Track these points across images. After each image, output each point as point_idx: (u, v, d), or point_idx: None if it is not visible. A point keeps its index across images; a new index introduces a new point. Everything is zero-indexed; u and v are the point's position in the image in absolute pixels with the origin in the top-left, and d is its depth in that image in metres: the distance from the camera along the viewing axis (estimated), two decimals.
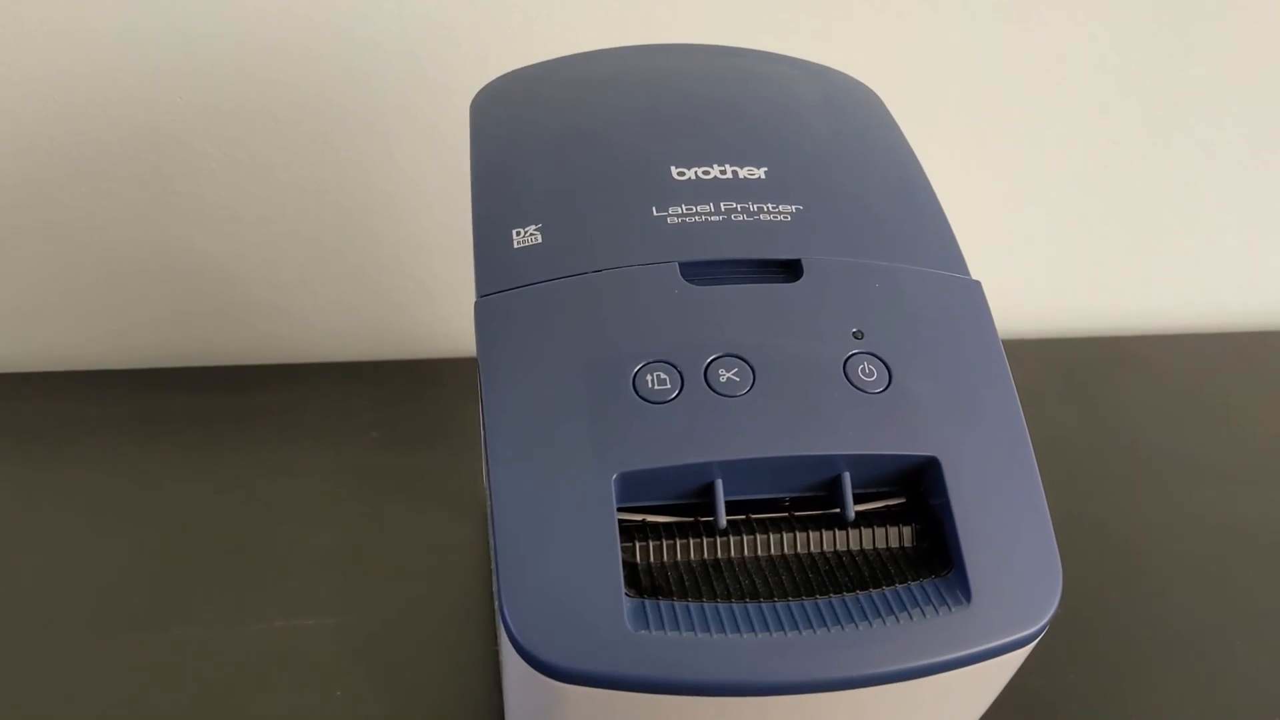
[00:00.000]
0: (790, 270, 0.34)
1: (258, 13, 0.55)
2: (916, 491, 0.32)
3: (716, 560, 0.31)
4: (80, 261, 0.60)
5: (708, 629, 0.28)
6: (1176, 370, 0.65)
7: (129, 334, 0.62)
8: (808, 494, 0.32)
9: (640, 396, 0.31)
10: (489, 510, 0.30)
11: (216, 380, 0.59)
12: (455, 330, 0.65)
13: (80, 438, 0.54)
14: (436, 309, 0.64)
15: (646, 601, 0.29)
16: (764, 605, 0.29)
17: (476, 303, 0.34)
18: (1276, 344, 0.69)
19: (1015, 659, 0.30)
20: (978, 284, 0.35)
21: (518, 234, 0.35)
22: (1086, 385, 0.34)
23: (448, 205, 0.61)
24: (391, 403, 0.58)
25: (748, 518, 0.32)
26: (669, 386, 0.31)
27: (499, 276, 0.34)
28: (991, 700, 0.33)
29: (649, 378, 0.31)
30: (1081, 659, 0.42)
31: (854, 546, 0.32)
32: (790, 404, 0.31)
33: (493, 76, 0.55)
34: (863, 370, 0.32)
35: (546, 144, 0.38)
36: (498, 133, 0.39)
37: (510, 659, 0.30)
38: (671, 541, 0.31)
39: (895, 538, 0.32)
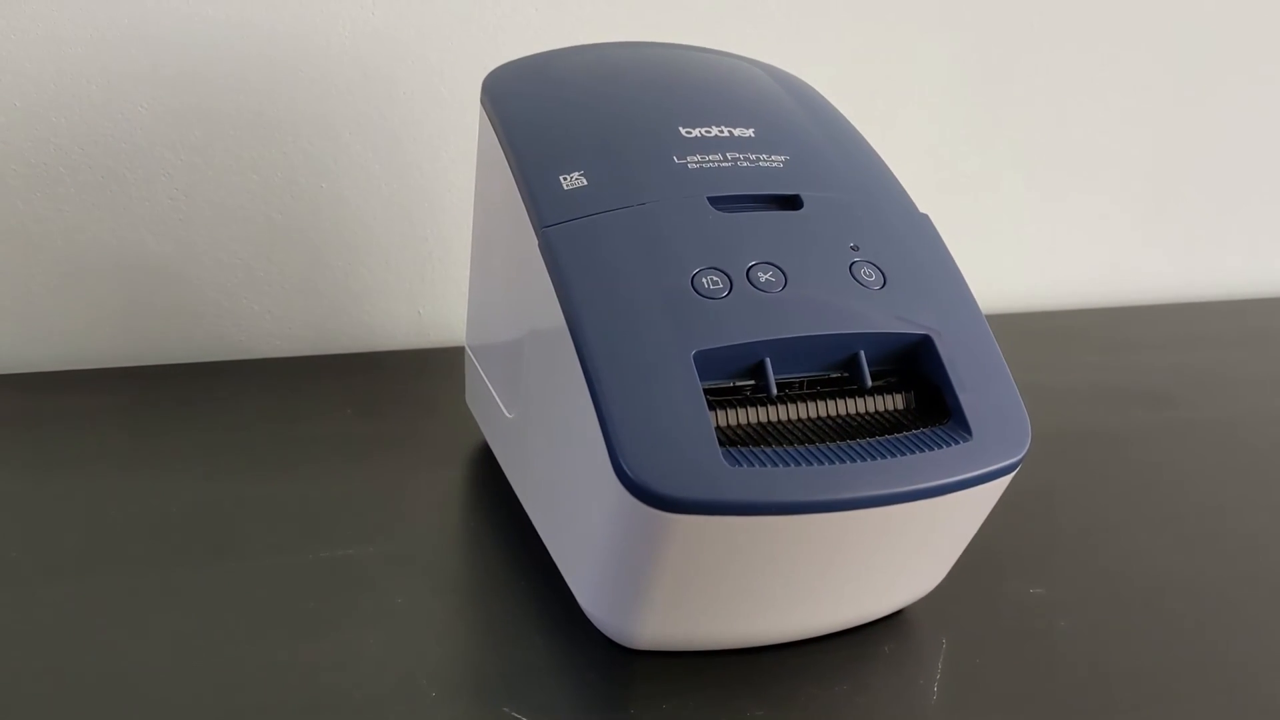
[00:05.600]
0: (791, 203, 0.42)
1: (222, 21, 0.59)
2: (909, 366, 0.40)
3: (770, 422, 0.38)
4: (34, 263, 0.61)
5: (787, 464, 0.35)
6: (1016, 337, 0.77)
7: (79, 334, 0.63)
8: (830, 373, 0.40)
9: (699, 294, 0.38)
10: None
11: (177, 375, 0.62)
12: (394, 328, 0.70)
13: (77, 427, 0.55)
14: (377, 308, 0.69)
15: (731, 449, 0.36)
16: (823, 447, 0.36)
17: (544, 230, 0.40)
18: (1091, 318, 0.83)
19: (1004, 482, 0.39)
20: (927, 216, 0.44)
21: (565, 179, 0.41)
22: None
23: (392, 209, 0.66)
24: (352, 388, 0.62)
25: (784, 393, 0.39)
26: (721, 286, 0.38)
27: (557, 211, 0.40)
28: (979, 524, 0.41)
29: (704, 280, 0.38)
30: None
31: (869, 410, 0.39)
32: (817, 297, 0.39)
33: (442, 85, 0.61)
34: (864, 273, 0.40)
35: (569, 110, 0.45)
36: (521, 102, 0.46)
37: (613, 509, 0.36)
38: (732, 409, 0.38)
39: (900, 401, 0.40)
